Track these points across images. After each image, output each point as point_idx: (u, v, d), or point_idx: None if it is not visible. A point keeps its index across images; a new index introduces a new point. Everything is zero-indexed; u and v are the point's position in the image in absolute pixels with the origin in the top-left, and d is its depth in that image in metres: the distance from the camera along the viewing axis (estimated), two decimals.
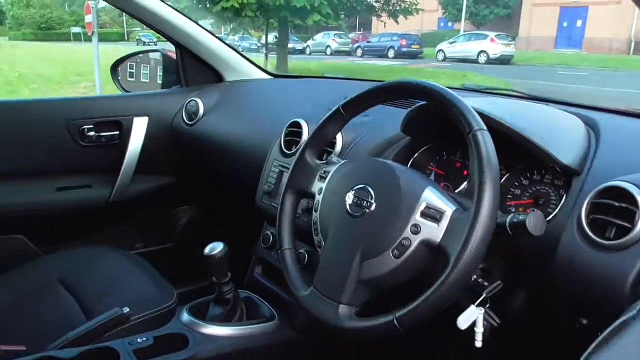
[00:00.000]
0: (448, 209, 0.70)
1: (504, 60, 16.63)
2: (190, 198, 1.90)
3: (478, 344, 0.82)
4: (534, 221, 0.68)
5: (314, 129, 0.93)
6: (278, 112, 1.46)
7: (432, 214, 0.70)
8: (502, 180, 0.94)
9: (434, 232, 0.69)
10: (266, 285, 1.24)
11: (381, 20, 14.40)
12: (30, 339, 1.08)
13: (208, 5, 11.04)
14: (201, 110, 1.64)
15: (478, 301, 0.76)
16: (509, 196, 0.93)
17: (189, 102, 1.68)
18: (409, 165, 1.05)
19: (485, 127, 0.70)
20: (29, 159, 1.52)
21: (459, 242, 0.65)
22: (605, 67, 14.52)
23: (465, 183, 0.98)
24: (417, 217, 0.71)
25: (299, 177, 0.91)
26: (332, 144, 1.14)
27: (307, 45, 22.26)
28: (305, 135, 1.21)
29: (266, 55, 13.05)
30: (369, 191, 0.77)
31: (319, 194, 0.87)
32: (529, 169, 0.92)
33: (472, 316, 0.73)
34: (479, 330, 0.81)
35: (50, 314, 1.19)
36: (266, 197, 1.24)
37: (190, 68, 1.76)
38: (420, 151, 1.06)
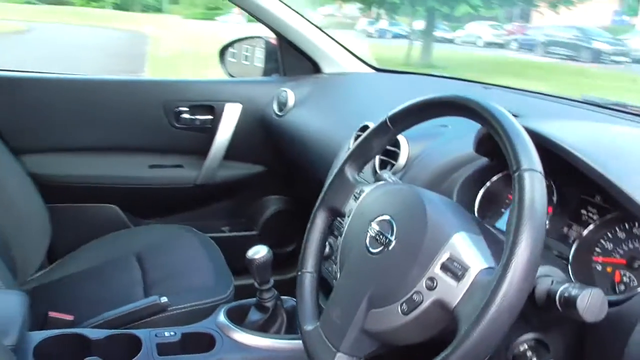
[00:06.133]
0: (475, 265, 0.55)
1: None
2: (279, 188, 1.88)
3: None
4: (588, 301, 0.50)
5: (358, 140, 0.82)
6: (361, 110, 1.36)
7: (454, 269, 0.56)
8: (591, 228, 0.74)
9: (452, 292, 0.55)
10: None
11: (538, 11, 13.12)
12: (82, 309, 1.13)
13: None
14: (291, 101, 1.60)
15: None
16: (597, 249, 0.73)
17: (280, 92, 1.64)
18: (481, 193, 0.88)
19: (538, 169, 0.53)
20: (127, 135, 1.61)
21: (475, 312, 0.51)
22: None
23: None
24: (435, 270, 0.57)
25: (334, 192, 0.81)
26: (395, 156, 1.01)
27: (457, 35, 21.27)
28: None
29: (410, 43, 12.75)
30: (392, 225, 0.65)
31: (348, 217, 0.76)
32: (629, 218, 0.72)
33: None
34: None
35: (114, 287, 1.25)
36: None
37: (288, 57, 1.73)
38: (498, 176, 0.88)
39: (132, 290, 1.23)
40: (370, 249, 0.66)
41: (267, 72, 1.83)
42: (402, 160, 0.99)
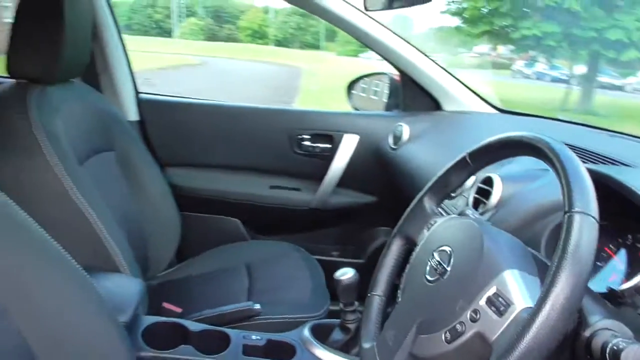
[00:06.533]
0: (519, 303, 0.54)
1: None
2: (389, 221, 1.90)
3: None
4: (633, 356, 0.47)
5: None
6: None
7: (498, 304, 0.55)
8: None
9: (493, 326, 0.55)
10: None
11: None
12: (191, 304, 1.27)
13: (509, 32, 10.78)
14: (405, 136, 1.63)
15: None
16: None
17: (396, 126, 1.69)
18: None
19: (591, 214, 0.52)
20: (254, 157, 1.78)
21: (506, 346, 0.50)
22: None
23: (636, 279, 0.73)
24: (480, 302, 0.57)
25: (410, 221, 0.84)
26: (488, 194, 0.99)
27: (628, 82, 19.22)
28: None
29: (569, 88, 11.90)
30: (451, 256, 0.66)
31: (419, 245, 0.78)
32: None
33: None
34: None
35: (222, 290, 1.38)
36: None
37: (410, 93, 1.77)
38: None
39: (237, 295, 1.35)
40: (428, 277, 0.67)
41: (389, 107, 1.89)
42: (493, 200, 0.97)
